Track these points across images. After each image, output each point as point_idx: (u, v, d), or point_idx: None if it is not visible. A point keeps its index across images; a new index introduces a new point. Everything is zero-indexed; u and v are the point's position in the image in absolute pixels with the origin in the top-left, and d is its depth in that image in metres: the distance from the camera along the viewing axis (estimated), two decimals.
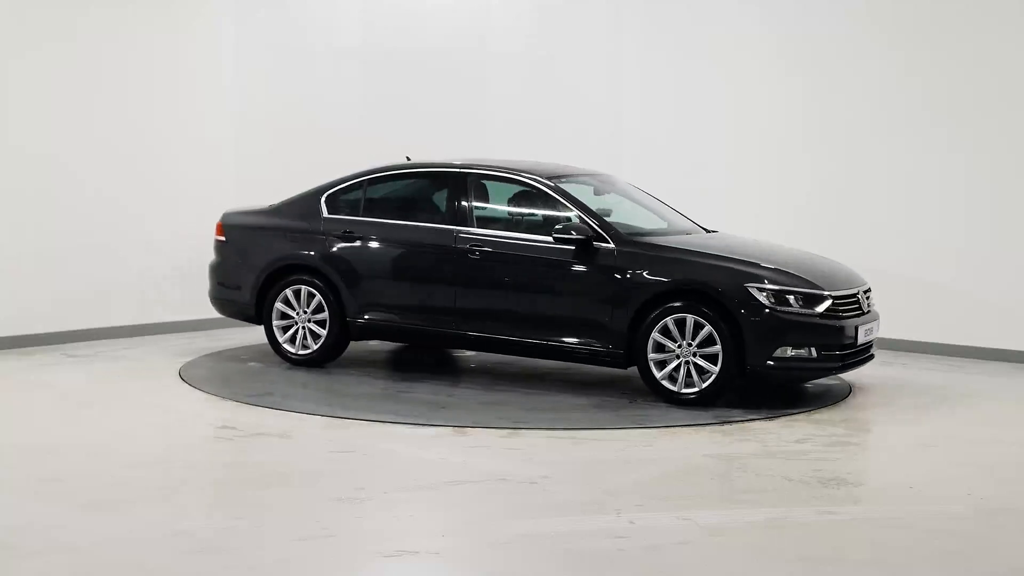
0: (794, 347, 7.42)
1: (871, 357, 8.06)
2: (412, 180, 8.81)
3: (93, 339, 9.57)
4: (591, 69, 11.60)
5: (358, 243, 8.45)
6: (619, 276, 7.64)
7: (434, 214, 8.42)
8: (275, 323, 8.61)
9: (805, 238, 10.35)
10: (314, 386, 8.01)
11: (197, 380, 8.02)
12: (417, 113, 11.32)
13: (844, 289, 7.72)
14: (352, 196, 8.73)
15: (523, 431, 6.77)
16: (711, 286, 7.43)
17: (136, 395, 7.68)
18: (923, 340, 9.92)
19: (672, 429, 6.93)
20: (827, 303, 7.48)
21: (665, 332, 7.47)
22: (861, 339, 7.67)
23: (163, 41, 10.09)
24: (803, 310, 7.42)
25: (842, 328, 7.51)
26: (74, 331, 9.49)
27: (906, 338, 10.01)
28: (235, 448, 6.36)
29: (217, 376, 8.22)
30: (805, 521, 5.23)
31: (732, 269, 7.53)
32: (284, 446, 6.44)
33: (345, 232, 8.49)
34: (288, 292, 8.56)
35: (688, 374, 7.46)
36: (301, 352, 8.53)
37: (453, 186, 8.34)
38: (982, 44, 9.61)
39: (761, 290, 7.40)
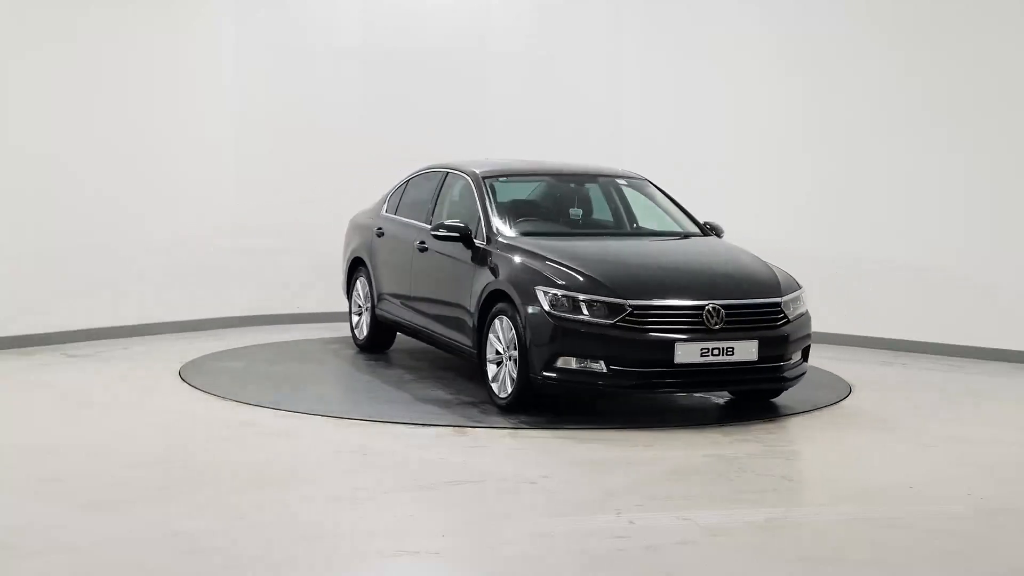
0: (578, 359, 6.81)
1: (744, 383, 7.09)
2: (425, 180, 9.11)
3: (93, 339, 9.57)
4: (591, 69, 11.60)
5: (384, 239, 9.11)
6: (476, 275, 7.53)
7: (424, 211, 8.74)
8: (352, 312, 9.56)
9: (805, 238, 10.38)
10: (314, 386, 8.01)
11: (197, 380, 8.02)
12: (417, 113, 11.32)
13: (670, 299, 6.84)
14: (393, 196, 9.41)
15: (523, 431, 6.77)
16: (511, 288, 7.07)
17: (136, 395, 7.68)
18: (923, 340, 9.93)
19: (672, 429, 6.93)
20: (624, 313, 6.73)
21: (497, 334, 7.21)
22: (692, 360, 6.75)
23: (163, 41, 10.09)
24: (592, 318, 6.75)
25: (646, 342, 6.73)
26: (74, 331, 9.49)
27: (906, 338, 10.02)
28: (235, 448, 6.36)
29: (217, 376, 8.22)
30: (805, 521, 5.23)
31: (532, 270, 7.08)
32: (284, 446, 6.44)
33: (377, 230, 9.22)
34: (357, 283, 9.51)
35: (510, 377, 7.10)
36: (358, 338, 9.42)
37: (438, 184, 8.74)
38: (982, 44, 9.61)
39: (545, 294, 6.87)
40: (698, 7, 11.11)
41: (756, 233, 10.74)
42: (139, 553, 4.58)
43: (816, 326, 10.43)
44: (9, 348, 9.03)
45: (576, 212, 8.50)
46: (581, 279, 6.94)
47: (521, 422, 6.95)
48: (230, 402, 7.40)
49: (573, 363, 6.81)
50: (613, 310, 6.76)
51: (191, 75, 10.38)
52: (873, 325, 10.22)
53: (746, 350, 6.85)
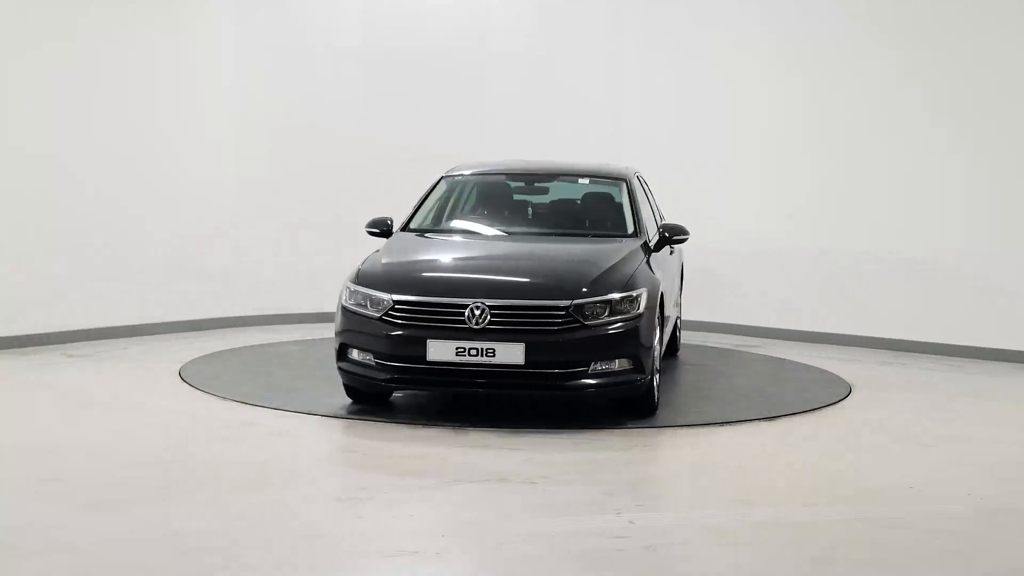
0: (359, 350, 6.93)
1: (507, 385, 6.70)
2: None
3: (93, 339, 9.57)
4: (591, 69, 11.61)
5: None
6: None
7: None
8: None
9: (805, 238, 10.38)
10: (314, 386, 8.01)
11: (197, 380, 8.02)
12: (417, 113, 11.33)
13: (433, 296, 6.77)
14: None
15: (523, 431, 6.76)
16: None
17: (136, 395, 7.68)
18: (923, 340, 9.93)
19: (672, 429, 6.93)
20: (387, 307, 6.78)
21: None
22: (446, 358, 6.60)
23: (163, 41, 10.10)
24: (366, 312, 6.87)
25: (398, 337, 6.70)
26: (74, 331, 9.49)
27: (906, 338, 10.02)
28: (235, 448, 6.36)
29: (217, 376, 8.22)
30: (805, 521, 5.23)
31: (371, 261, 7.34)
32: (284, 446, 6.43)
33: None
34: None
35: None
36: None
37: None
38: (982, 44, 9.62)
39: (346, 288, 7.12)
40: (698, 7, 11.12)
41: (756, 233, 10.78)
42: (139, 553, 4.58)
43: (816, 326, 10.51)
44: (9, 348, 9.03)
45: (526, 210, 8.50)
46: (375, 273, 7.08)
47: (521, 423, 6.95)
48: (230, 402, 7.40)
49: (357, 355, 6.97)
50: (378, 304, 6.85)
51: (191, 75, 10.39)
52: (873, 325, 10.23)
53: (511, 353, 6.57)
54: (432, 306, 6.73)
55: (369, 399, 7.25)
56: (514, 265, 7.26)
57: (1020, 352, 9.49)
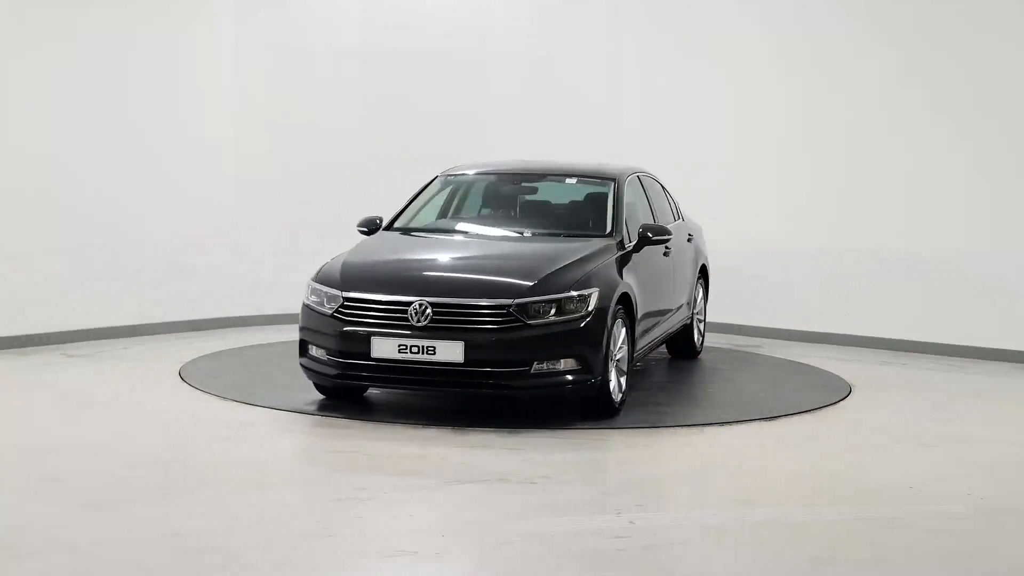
0: (317, 347, 7.04)
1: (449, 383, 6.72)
2: None
3: (93, 339, 9.57)
4: (591, 69, 11.61)
5: None
6: None
7: None
8: None
9: (805, 238, 10.38)
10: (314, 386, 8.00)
11: (197, 380, 8.02)
12: (417, 113, 11.33)
13: (380, 294, 6.85)
14: None
15: (523, 431, 6.76)
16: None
17: (136, 395, 7.68)
18: (923, 340, 9.93)
19: (672, 429, 6.93)
20: (338, 304, 6.90)
21: None
22: (389, 355, 6.68)
23: (163, 41, 10.10)
24: (321, 308, 7.01)
25: (344, 334, 6.80)
26: (74, 331, 9.49)
27: (906, 338, 10.02)
28: (235, 448, 6.36)
29: (217, 376, 8.22)
30: (805, 521, 5.23)
31: (339, 257, 7.48)
32: (284, 446, 6.43)
33: None
34: None
35: None
36: None
37: None
38: (982, 44, 9.62)
39: (308, 285, 7.25)
40: (698, 7, 11.11)
41: (756, 233, 10.78)
42: (139, 553, 4.58)
43: (816, 326, 10.51)
44: (9, 348, 9.03)
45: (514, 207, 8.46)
46: (333, 270, 7.21)
47: (521, 423, 6.95)
48: (230, 402, 7.40)
49: (314, 351, 7.08)
50: (332, 301, 6.96)
51: (191, 75, 10.39)
52: (873, 325, 10.23)
53: (451, 351, 6.61)
54: (378, 303, 6.82)
55: (340, 395, 7.35)
56: (463, 264, 7.29)
57: (1020, 352, 9.49)
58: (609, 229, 7.71)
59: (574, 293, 6.79)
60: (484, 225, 8.15)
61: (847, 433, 7.02)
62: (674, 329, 8.75)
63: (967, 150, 9.70)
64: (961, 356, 9.69)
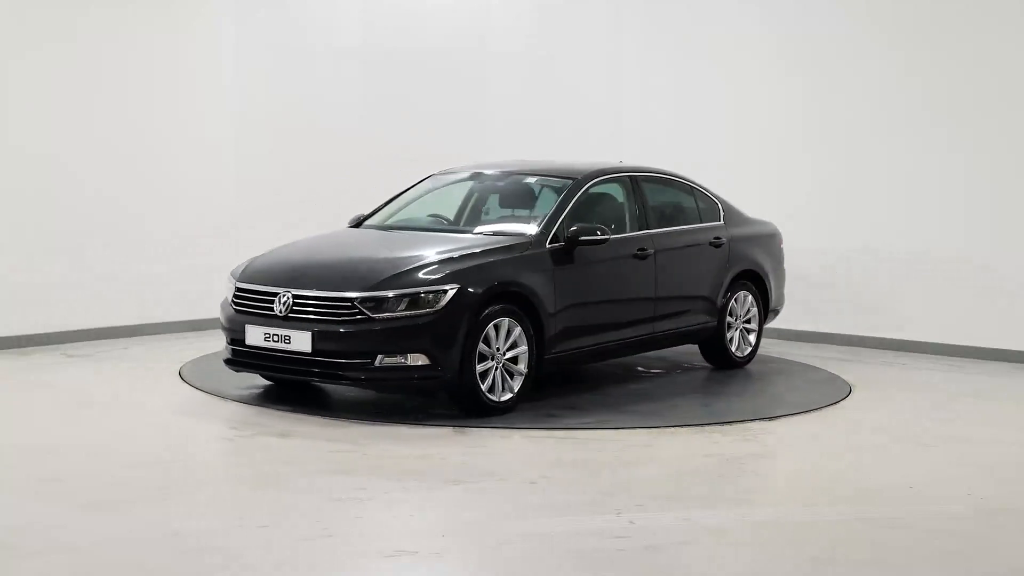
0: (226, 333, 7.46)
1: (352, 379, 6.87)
2: None
3: (93, 339, 9.57)
4: (591, 69, 11.60)
5: None
6: None
7: None
8: None
9: (805, 238, 10.37)
10: (314, 386, 8.00)
11: (197, 380, 8.02)
12: (417, 113, 11.33)
13: (258, 285, 7.22)
14: None
15: (523, 431, 6.77)
16: None
17: (136, 395, 7.68)
18: (923, 340, 9.93)
19: (672, 429, 6.93)
20: (231, 293, 7.42)
21: None
22: (258, 343, 7.02)
23: (163, 41, 10.10)
24: (227, 297, 7.50)
25: (229, 320, 7.31)
26: (74, 331, 9.49)
27: (906, 338, 10.02)
28: (235, 448, 6.36)
29: (217, 376, 8.21)
30: (805, 521, 5.23)
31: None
32: (284, 446, 6.43)
33: None
34: None
35: None
36: None
37: None
38: (982, 44, 9.62)
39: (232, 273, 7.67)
40: (698, 7, 11.11)
41: None
42: (139, 553, 4.58)
43: (816, 326, 10.51)
44: (9, 348, 9.03)
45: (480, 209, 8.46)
46: (247, 262, 7.68)
47: (521, 422, 6.95)
48: (230, 402, 7.40)
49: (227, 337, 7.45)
50: (229, 290, 7.46)
51: (191, 75, 10.38)
52: (873, 325, 10.23)
53: (302, 340, 6.88)
54: (253, 293, 7.23)
55: (282, 384, 7.64)
56: (338, 259, 7.45)
57: (1020, 352, 9.48)
58: (537, 229, 7.59)
59: (422, 290, 6.86)
60: (431, 225, 8.23)
61: (847, 433, 7.02)
62: (659, 335, 8.34)
63: (967, 150, 9.70)
64: (961, 356, 9.69)
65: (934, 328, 9.90)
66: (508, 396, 7.12)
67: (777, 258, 9.48)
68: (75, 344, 9.37)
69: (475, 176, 8.62)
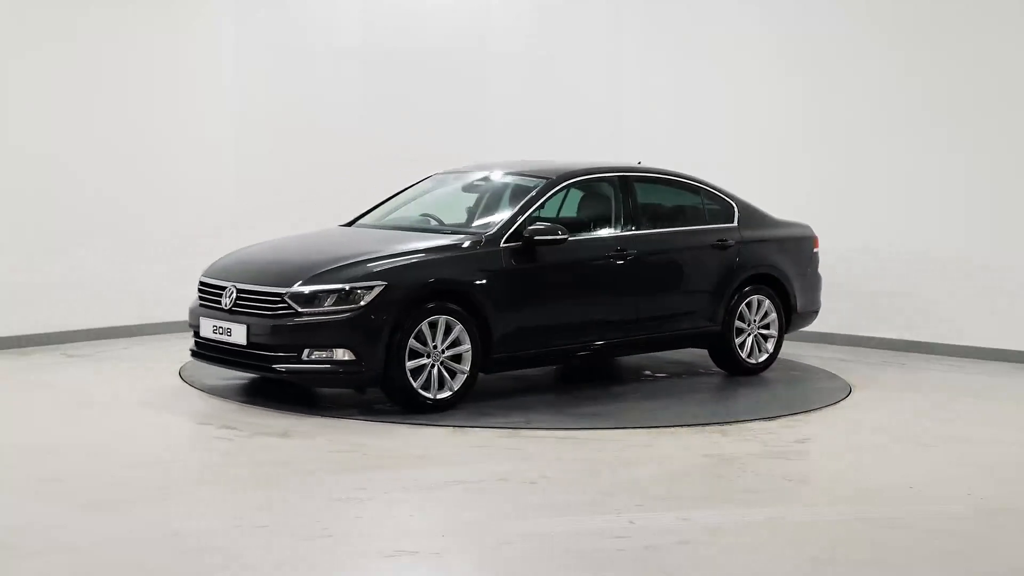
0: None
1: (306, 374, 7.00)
2: None
3: (93, 339, 9.57)
4: (591, 69, 11.61)
5: None
6: None
7: None
8: None
9: None
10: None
11: (197, 380, 8.02)
12: (417, 113, 11.33)
13: (212, 279, 7.56)
14: None
15: (523, 431, 6.77)
16: None
17: (136, 395, 7.68)
18: (922, 340, 9.93)
19: (672, 429, 6.93)
20: (199, 285, 7.70)
21: None
22: (209, 335, 7.36)
23: (163, 41, 10.10)
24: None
25: (192, 313, 7.65)
26: (74, 331, 9.50)
27: (906, 338, 10.02)
28: (235, 448, 6.36)
29: (217, 376, 8.21)
30: (805, 521, 5.23)
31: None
32: (284, 446, 6.43)
33: None
34: None
35: None
36: None
37: None
38: (982, 44, 9.62)
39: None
40: (698, 7, 11.11)
41: None
42: (139, 553, 4.58)
43: (816, 326, 10.50)
44: (9, 348, 9.03)
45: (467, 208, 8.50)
46: (227, 255, 7.91)
47: (521, 422, 6.95)
48: (230, 402, 7.40)
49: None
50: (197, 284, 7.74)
51: (191, 75, 10.39)
52: (873, 325, 10.23)
53: (239, 333, 7.13)
54: (210, 287, 7.52)
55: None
56: (285, 255, 7.58)
57: (1020, 352, 9.49)
58: (495, 229, 7.56)
59: (348, 286, 6.96)
60: (407, 223, 8.22)
61: (847, 433, 7.02)
62: (642, 338, 8.21)
63: (967, 150, 9.70)
64: (961, 356, 9.69)
65: (934, 328, 9.91)
66: (447, 394, 7.13)
67: (805, 261, 9.12)
68: (75, 344, 9.37)
69: (468, 176, 8.66)
